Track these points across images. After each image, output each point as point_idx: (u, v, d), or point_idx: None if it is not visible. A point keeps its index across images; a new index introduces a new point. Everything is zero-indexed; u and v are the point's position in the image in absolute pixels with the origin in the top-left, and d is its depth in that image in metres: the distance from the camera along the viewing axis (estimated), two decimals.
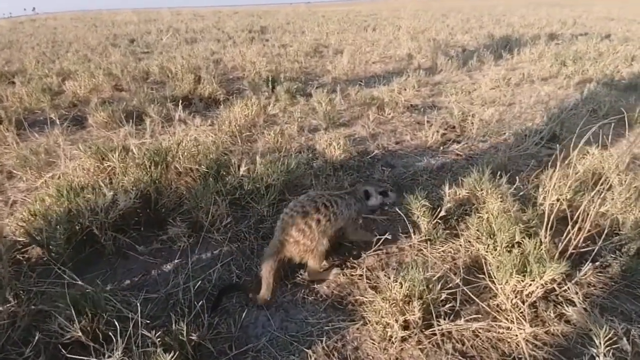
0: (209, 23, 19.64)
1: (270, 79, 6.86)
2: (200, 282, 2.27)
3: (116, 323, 1.62)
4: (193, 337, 1.72)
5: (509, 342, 1.90)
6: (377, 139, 4.67)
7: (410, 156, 4.18)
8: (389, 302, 1.87)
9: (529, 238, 2.17)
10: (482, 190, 2.85)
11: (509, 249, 2.18)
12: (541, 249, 2.04)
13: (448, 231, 2.66)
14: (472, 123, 4.87)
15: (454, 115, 5.10)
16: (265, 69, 7.66)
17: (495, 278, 2.05)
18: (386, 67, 8.98)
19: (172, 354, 1.50)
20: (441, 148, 4.38)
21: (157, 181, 2.63)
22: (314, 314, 2.12)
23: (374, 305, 1.93)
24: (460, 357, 1.82)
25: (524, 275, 1.92)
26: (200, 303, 2.11)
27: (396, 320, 1.82)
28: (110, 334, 1.63)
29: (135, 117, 4.69)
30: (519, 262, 1.98)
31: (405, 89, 6.51)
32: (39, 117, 5.36)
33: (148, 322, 1.87)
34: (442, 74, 8.16)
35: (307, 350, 1.88)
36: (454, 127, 5.07)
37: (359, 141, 4.58)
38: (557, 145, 4.37)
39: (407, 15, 22.25)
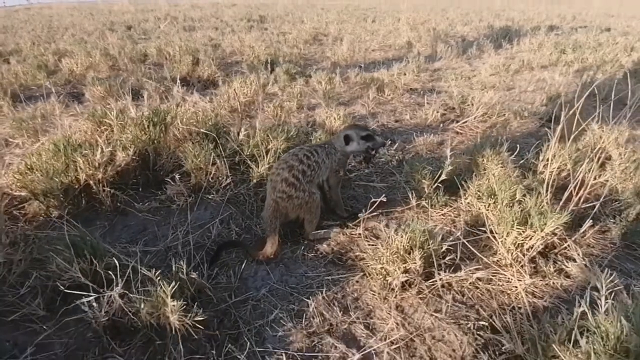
0: (207, 13, 19.49)
1: (269, 61, 6.82)
2: (199, 237, 2.25)
3: (116, 262, 1.60)
4: (193, 276, 1.70)
5: (508, 294, 1.90)
6: (377, 117, 4.65)
7: (410, 133, 4.16)
8: (391, 250, 1.86)
9: (530, 196, 2.16)
10: (482, 157, 2.84)
11: (510, 206, 2.17)
12: (542, 204, 2.04)
13: (448, 196, 2.66)
14: (472, 104, 4.85)
15: (454, 97, 5.09)
16: (264, 52, 7.61)
17: (496, 233, 2.05)
18: (386, 54, 8.95)
19: (172, 285, 1.48)
20: (441, 126, 4.38)
21: (155, 141, 2.60)
22: (314, 269, 2.11)
23: (375, 253, 1.92)
24: (460, 305, 1.82)
25: (525, 228, 1.92)
26: (199, 255, 2.10)
27: (397, 268, 1.81)
28: (110, 274, 1.61)
29: (133, 94, 4.64)
30: (520, 215, 1.97)
31: (405, 74, 6.47)
32: (35, 92, 5.28)
33: (148, 268, 1.85)
34: (441, 61, 8.14)
35: (307, 300, 1.87)
36: (453, 108, 5.05)
37: (358, 119, 4.56)
38: (556, 124, 4.39)
39: (406, 8, 22.17)
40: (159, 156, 2.63)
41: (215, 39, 10.29)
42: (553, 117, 4.63)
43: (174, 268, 1.70)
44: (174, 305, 1.47)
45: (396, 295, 1.86)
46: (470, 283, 1.94)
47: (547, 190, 2.19)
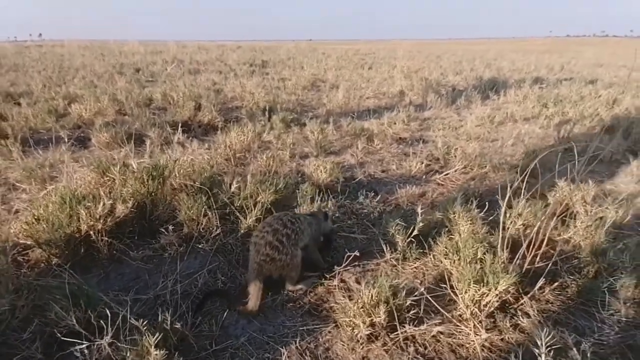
0: (212, 56, 20.49)
1: (267, 108, 7.24)
2: (187, 286, 2.44)
3: (107, 312, 1.80)
4: (177, 326, 1.88)
5: (467, 348, 2.07)
6: (365, 167, 4.95)
7: (394, 184, 4.43)
8: (358, 304, 2.05)
9: (491, 255, 2.38)
10: (454, 213, 3.08)
11: (471, 264, 2.38)
12: (497, 264, 2.25)
13: (421, 250, 2.86)
14: (455, 156, 5.16)
15: (439, 148, 5.41)
16: (263, 99, 8.07)
17: (456, 289, 2.24)
18: (379, 102, 9.44)
19: (156, 336, 1.66)
20: (424, 177, 4.65)
21: (153, 193, 2.85)
22: (291, 318, 2.29)
23: (344, 308, 2.11)
24: (421, 358, 1.99)
25: (482, 285, 2.12)
26: (185, 304, 2.28)
27: (363, 322, 2.00)
28: (102, 322, 1.79)
29: (136, 139, 4.96)
30: (477, 274, 2.18)
31: (395, 123, 6.85)
32: (44, 136, 5.61)
33: (136, 317, 2.03)
34: (431, 110, 8.59)
35: (281, 349, 2.04)
36: (438, 159, 5.36)
37: (347, 168, 4.85)
38: (533, 179, 4.70)
39: (403, 55, 23.31)
40: (156, 207, 2.88)
41: (218, 83, 10.85)
42: (527, 172, 4.96)
43: (160, 318, 1.89)
44: (156, 354, 1.65)
45: (363, 347, 2.03)
46: (431, 336, 2.11)
47: (503, 249, 2.41)
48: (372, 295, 2.08)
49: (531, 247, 2.45)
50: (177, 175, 3.15)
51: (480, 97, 9.45)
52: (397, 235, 2.78)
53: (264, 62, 17.34)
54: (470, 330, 2.11)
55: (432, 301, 2.19)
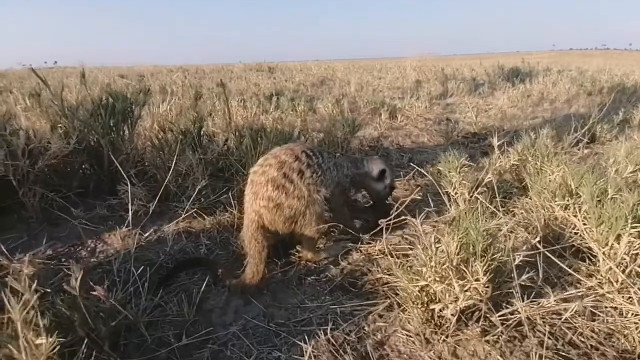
0: (219, 66, 20.13)
1: (273, 94, 6.51)
2: (151, 253, 1.58)
3: None
4: (89, 300, 1.01)
5: (625, 336, 1.16)
6: (391, 138, 4.10)
7: (430, 152, 3.57)
8: (436, 259, 1.15)
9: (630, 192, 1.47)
10: (535, 158, 2.19)
11: (602, 203, 1.48)
12: None
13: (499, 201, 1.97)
14: (495, 130, 4.29)
15: (474, 124, 4.55)
16: (270, 88, 7.35)
17: (594, 238, 1.34)
18: (394, 94, 8.65)
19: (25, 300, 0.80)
20: (467, 144, 3.78)
21: (113, 132, 2.02)
22: (314, 297, 1.40)
23: (410, 269, 1.22)
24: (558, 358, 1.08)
25: None
26: (144, 277, 1.41)
27: (451, 288, 1.09)
28: None
29: None
30: (634, 209, 1.28)
31: (417, 106, 6.01)
32: None
33: (45, 290, 1.17)
34: (453, 97, 7.76)
35: (301, 344, 1.14)
36: (475, 133, 4.49)
37: (369, 140, 4.00)
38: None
39: (411, 63, 22.72)
40: (118, 152, 2.03)
41: (224, 83, 10.20)
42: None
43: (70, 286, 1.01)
44: (41, 342, 0.78)
45: (447, 336, 1.13)
46: (563, 321, 1.20)
47: None
48: (452, 247, 1.18)
49: None
50: (154, 117, 2.33)
51: (505, 85, 8.61)
52: (464, 182, 1.89)
53: (270, 68, 16.81)
54: (633, 303, 1.19)
55: (555, 259, 1.28)
